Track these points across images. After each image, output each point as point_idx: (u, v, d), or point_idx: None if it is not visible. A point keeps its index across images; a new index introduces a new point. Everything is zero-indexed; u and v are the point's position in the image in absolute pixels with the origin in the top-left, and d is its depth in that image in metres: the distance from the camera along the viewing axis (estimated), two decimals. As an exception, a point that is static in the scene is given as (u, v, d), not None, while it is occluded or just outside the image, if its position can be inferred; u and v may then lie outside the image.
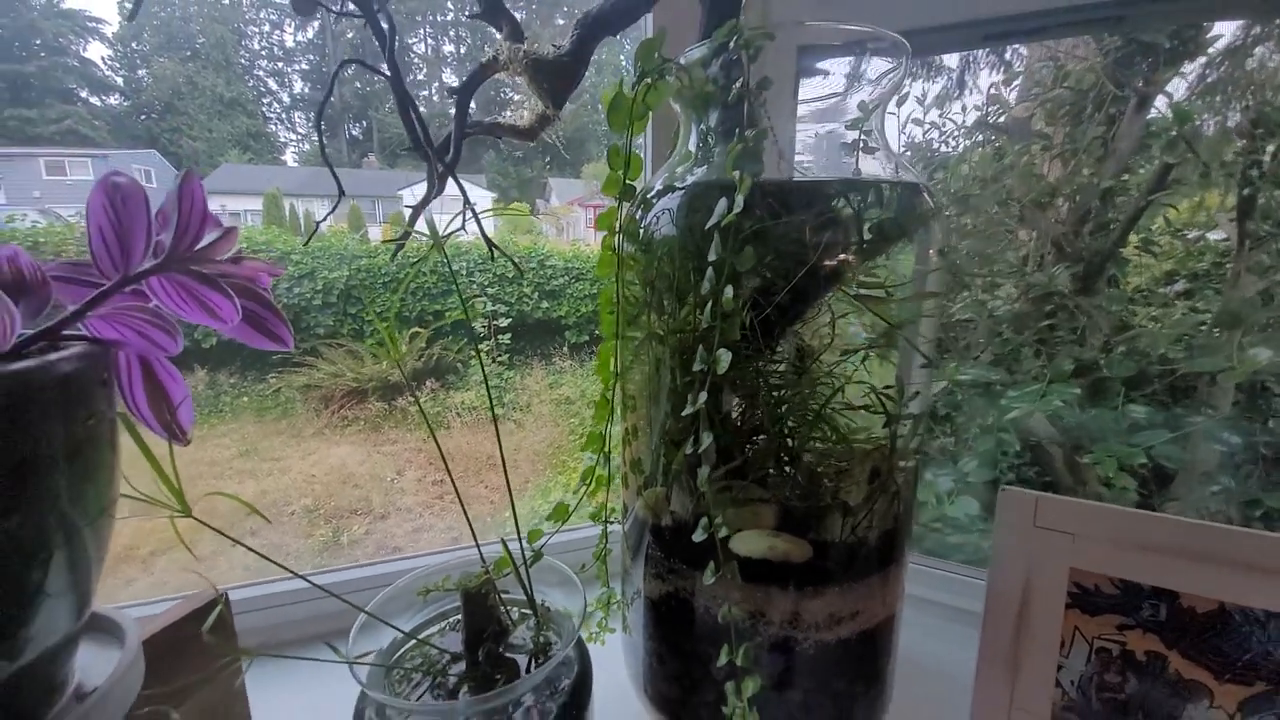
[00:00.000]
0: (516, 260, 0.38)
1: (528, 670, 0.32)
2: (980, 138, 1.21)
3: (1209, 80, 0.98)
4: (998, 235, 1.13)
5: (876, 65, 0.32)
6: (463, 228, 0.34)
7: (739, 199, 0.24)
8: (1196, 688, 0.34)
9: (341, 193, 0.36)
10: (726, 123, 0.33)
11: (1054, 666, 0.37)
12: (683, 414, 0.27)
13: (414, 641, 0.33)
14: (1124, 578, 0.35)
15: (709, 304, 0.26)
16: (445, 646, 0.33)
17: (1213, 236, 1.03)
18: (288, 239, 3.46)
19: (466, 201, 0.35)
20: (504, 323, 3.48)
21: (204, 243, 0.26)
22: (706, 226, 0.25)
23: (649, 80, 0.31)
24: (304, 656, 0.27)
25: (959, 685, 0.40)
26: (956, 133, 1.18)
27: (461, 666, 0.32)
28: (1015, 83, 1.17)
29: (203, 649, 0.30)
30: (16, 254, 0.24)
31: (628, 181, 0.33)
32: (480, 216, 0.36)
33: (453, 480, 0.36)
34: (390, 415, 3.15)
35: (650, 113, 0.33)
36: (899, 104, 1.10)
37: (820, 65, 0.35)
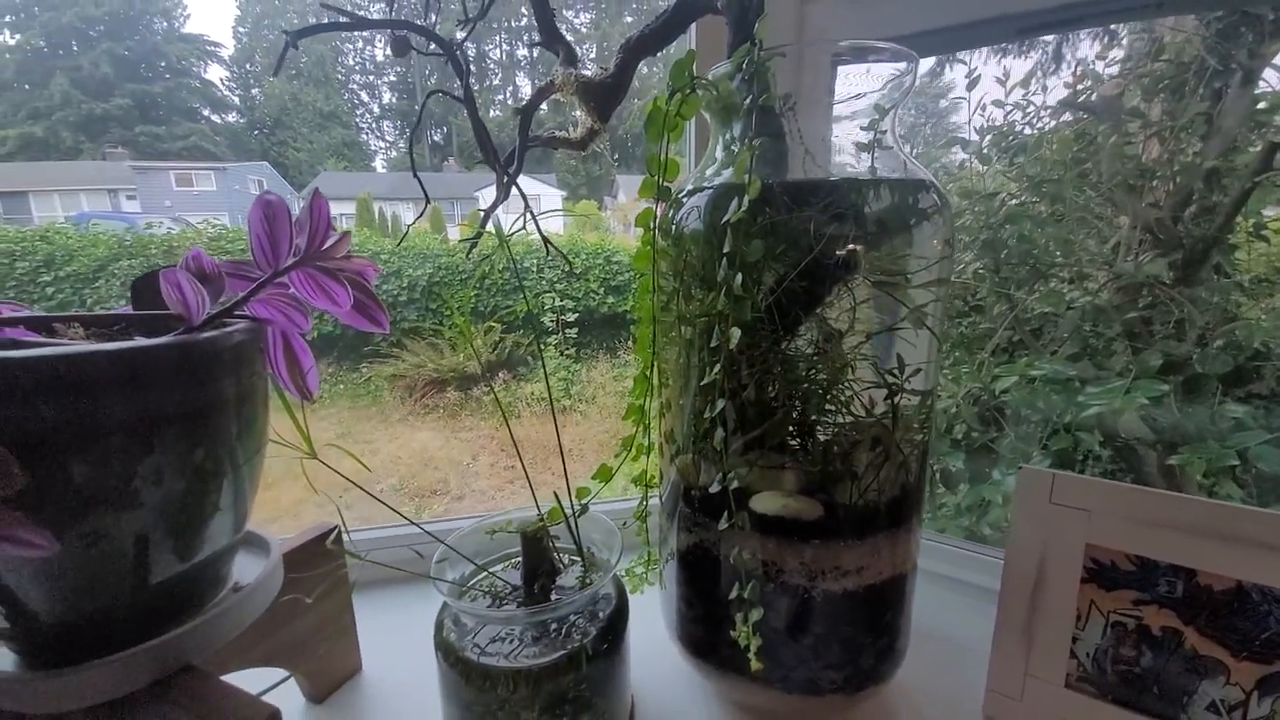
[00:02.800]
0: (569, 259, 0.44)
1: (575, 604, 0.38)
2: (1068, 117, 1.14)
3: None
4: (1084, 222, 1.07)
5: (890, 71, 0.35)
6: (524, 228, 0.40)
7: (746, 199, 0.28)
8: (1213, 664, 0.35)
9: (428, 201, 0.44)
10: (752, 131, 0.37)
11: (1069, 638, 0.39)
12: (702, 383, 0.32)
13: (483, 574, 0.40)
14: (1140, 554, 0.36)
15: (724, 289, 0.30)
16: (507, 579, 0.40)
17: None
18: (377, 240, 3.75)
19: (527, 206, 0.41)
20: (571, 317, 3.61)
21: (328, 244, 0.33)
22: (720, 223, 0.30)
23: (680, 95, 0.35)
24: (399, 568, 0.34)
25: (978, 655, 0.43)
26: (1041, 113, 1.12)
27: (519, 595, 0.38)
28: (1112, 54, 1.10)
29: (325, 560, 0.38)
30: (199, 255, 0.32)
31: (663, 184, 0.38)
32: (541, 217, 0.42)
33: (517, 447, 0.43)
34: (466, 404, 3.35)
35: (685, 122, 0.38)
36: (970, 88, 1.07)
37: (845, 71, 0.39)
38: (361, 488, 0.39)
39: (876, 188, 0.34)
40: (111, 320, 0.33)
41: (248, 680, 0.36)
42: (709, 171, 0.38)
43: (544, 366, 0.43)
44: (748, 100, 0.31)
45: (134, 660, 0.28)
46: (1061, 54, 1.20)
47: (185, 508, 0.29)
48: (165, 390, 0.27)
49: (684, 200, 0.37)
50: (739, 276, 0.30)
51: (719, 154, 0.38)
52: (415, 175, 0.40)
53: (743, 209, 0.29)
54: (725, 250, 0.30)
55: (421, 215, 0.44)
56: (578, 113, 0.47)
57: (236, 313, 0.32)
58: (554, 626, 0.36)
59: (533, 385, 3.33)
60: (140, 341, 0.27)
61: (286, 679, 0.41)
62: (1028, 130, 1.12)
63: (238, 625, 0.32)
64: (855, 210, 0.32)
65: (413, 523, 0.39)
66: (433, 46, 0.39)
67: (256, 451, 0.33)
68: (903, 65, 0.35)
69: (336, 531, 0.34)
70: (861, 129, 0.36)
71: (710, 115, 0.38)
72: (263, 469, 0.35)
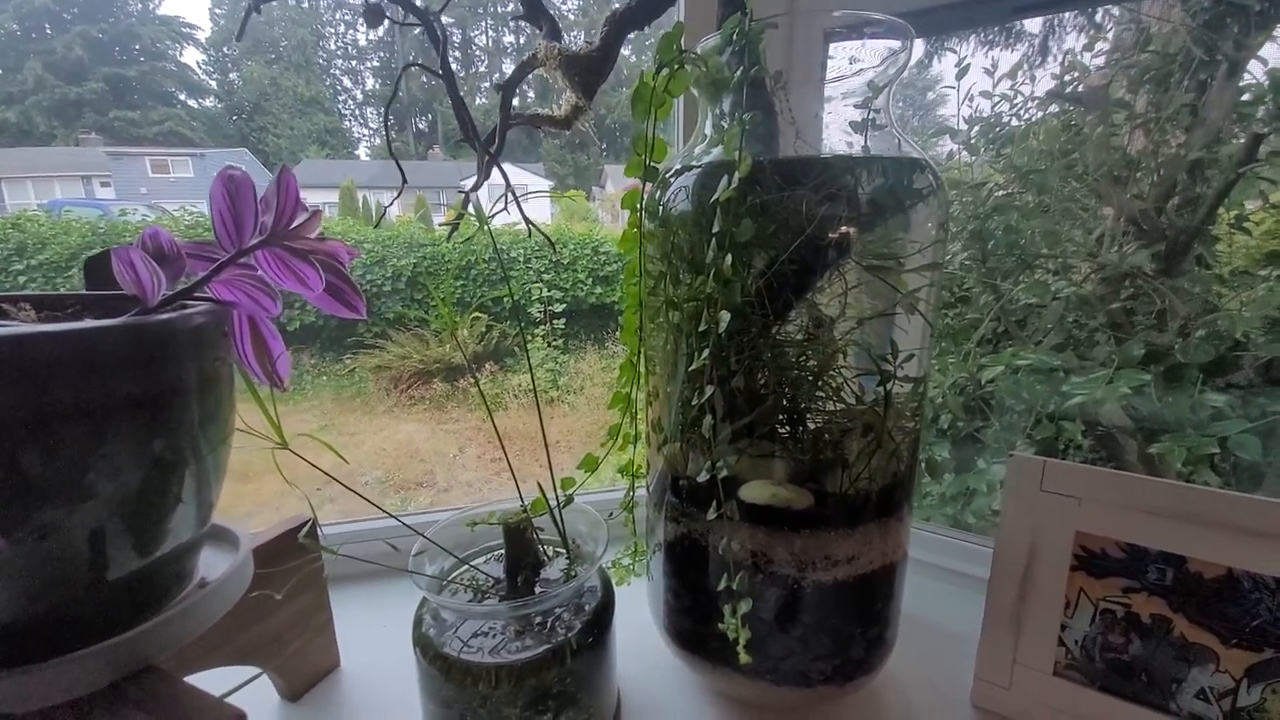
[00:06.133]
0: (554, 244, 0.42)
1: (559, 597, 0.37)
2: (1055, 108, 1.14)
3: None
4: (1070, 213, 1.07)
5: (885, 47, 0.34)
6: (504, 208, 0.38)
7: (737, 177, 0.27)
8: (1202, 651, 0.35)
9: (404, 182, 0.42)
10: (743, 106, 0.35)
11: (1058, 626, 0.38)
12: (690, 369, 0.31)
13: (464, 567, 0.39)
14: (1130, 542, 0.36)
15: (713, 271, 0.29)
16: (489, 573, 0.39)
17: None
18: (361, 229, 3.69)
19: (509, 186, 0.39)
20: (559, 308, 3.58)
21: (296, 223, 0.31)
22: (709, 202, 0.29)
23: (668, 70, 0.34)
24: (375, 562, 0.33)
25: (967, 643, 0.42)
26: (1028, 104, 1.11)
27: (502, 589, 0.37)
28: (1098, 46, 1.10)
29: (299, 554, 0.37)
30: (158, 233, 0.31)
31: (650, 163, 0.36)
32: (524, 198, 0.41)
33: (499, 437, 0.41)
34: (453, 395, 3.32)
35: (674, 99, 0.36)
36: (959, 77, 1.06)
37: (838, 48, 0.38)
38: (338, 480, 0.37)
39: (870, 166, 0.33)
40: (65, 301, 0.32)
41: (220, 678, 0.35)
42: (698, 150, 0.37)
43: (528, 356, 0.41)
44: (738, 73, 0.30)
45: (91, 660, 0.26)
46: (1048, 46, 1.20)
47: (144, 501, 0.27)
48: (119, 375, 0.25)
49: (671, 180, 0.36)
50: (728, 258, 0.28)
51: (708, 131, 0.37)
52: (391, 153, 0.38)
53: (733, 187, 0.28)
54: (714, 230, 0.29)
55: (397, 197, 0.42)
56: (563, 99, 0.45)
57: (198, 295, 0.30)
58: (538, 620, 0.35)
59: (520, 376, 3.30)
60: (89, 322, 0.25)
61: (259, 676, 0.39)
62: (1015, 121, 1.12)
63: (203, 623, 0.30)
64: (848, 190, 0.31)
65: (390, 515, 0.37)
66: (409, 17, 0.38)
67: (222, 441, 0.31)
68: (898, 42, 0.34)
69: (309, 525, 0.33)
70: (855, 107, 0.35)
71: (699, 91, 0.37)
72: (229, 460, 0.33)
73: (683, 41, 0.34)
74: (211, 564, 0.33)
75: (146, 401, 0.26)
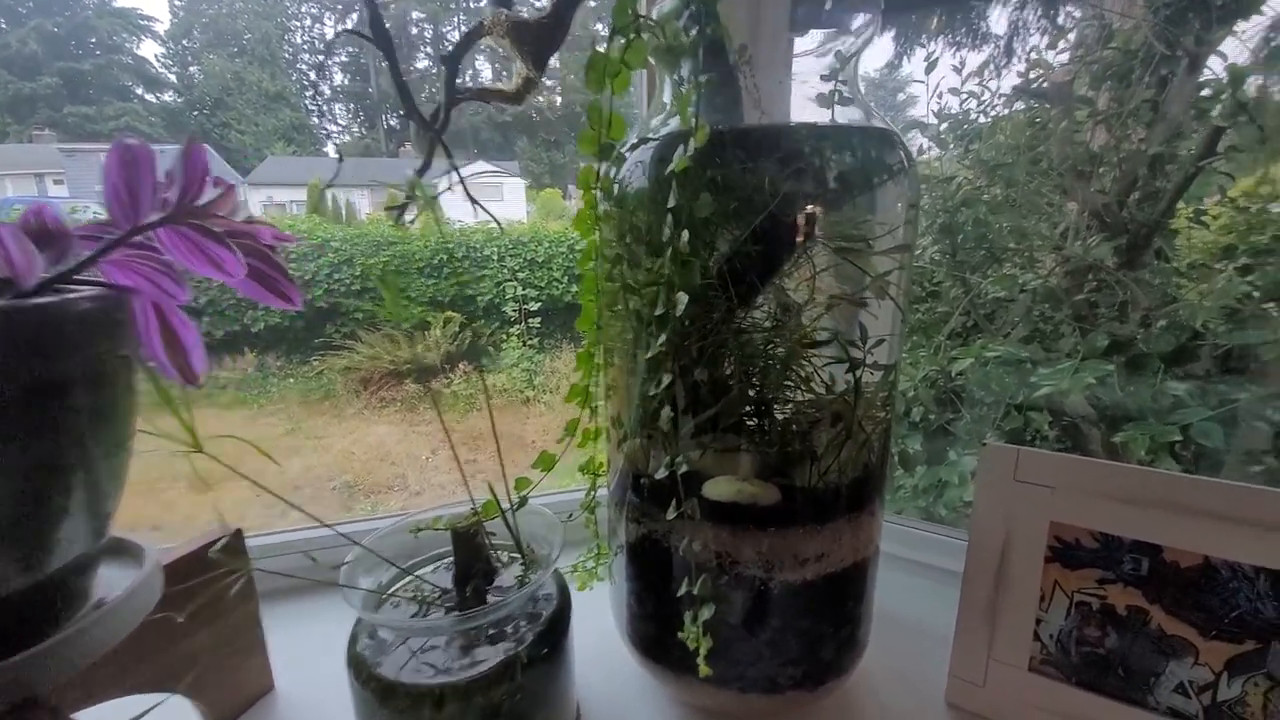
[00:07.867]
0: (501, 225, 0.40)
1: (513, 606, 0.34)
2: (1020, 104, 1.15)
3: (1275, 44, 0.91)
4: (1035, 206, 1.09)
5: (855, 19, 0.32)
6: (449, 188, 0.35)
7: (692, 144, 0.25)
8: (1180, 644, 0.34)
9: (341, 159, 0.39)
10: (700, 75, 0.33)
11: (1033, 620, 0.37)
12: (647, 357, 0.28)
13: (408, 578, 0.36)
14: (1104, 531, 0.35)
15: (670, 251, 0.27)
16: (437, 583, 0.36)
17: (1276, 209, 0.96)
18: (328, 227, 3.58)
19: (454, 166, 0.36)
20: (534, 306, 3.53)
21: (204, 199, 0.28)
22: (664, 174, 0.26)
23: (623, 37, 0.31)
24: (299, 576, 0.30)
25: (941, 639, 0.41)
26: (995, 101, 1.13)
27: (450, 599, 0.34)
28: (1061, 44, 1.11)
29: (221, 573, 0.33)
30: (42, 209, 0.27)
31: (605, 140, 0.34)
32: (495, 196, 0.38)
33: (448, 435, 0.38)
34: (425, 397, 3.24)
35: (630, 71, 0.34)
36: (928, 71, 1.07)
37: (803, 18, 0.36)
38: (270, 491, 0.34)
39: (838, 136, 0.31)
40: (-67, 288, 0.28)
41: (139, 707, 0.31)
42: (655, 121, 0.34)
43: (479, 352, 0.38)
44: (694, 33, 0.28)
45: (-41, 695, 0.23)
46: (1013, 48, 1.22)
47: (20, 512, 0.24)
48: (-18, 368, 0.21)
49: (627, 155, 0.34)
50: (685, 235, 0.26)
51: (666, 100, 0.34)
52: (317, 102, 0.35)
53: (688, 155, 0.25)
54: (670, 206, 0.27)
55: (330, 183, 0.39)
56: (513, 70, 0.42)
57: (91, 279, 0.27)
58: (489, 632, 0.33)
59: (494, 376, 3.25)
60: (-60, 308, 0.22)
61: (166, 699, 0.35)
62: (982, 118, 1.13)
63: (99, 647, 0.27)
64: (813, 164, 0.29)
65: (323, 524, 0.34)
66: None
67: (119, 446, 0.28)
68: (866, 15, 0.32)
69: (224, 539, 0.30)
70: (821, 78, 0.33)
71: (656, 59, 0.34)
72: (129, 466, 0.29)
73: (638, 6, 0.31)
74: (115, 582, 0.30)
75: (19, 398, 0.23)
